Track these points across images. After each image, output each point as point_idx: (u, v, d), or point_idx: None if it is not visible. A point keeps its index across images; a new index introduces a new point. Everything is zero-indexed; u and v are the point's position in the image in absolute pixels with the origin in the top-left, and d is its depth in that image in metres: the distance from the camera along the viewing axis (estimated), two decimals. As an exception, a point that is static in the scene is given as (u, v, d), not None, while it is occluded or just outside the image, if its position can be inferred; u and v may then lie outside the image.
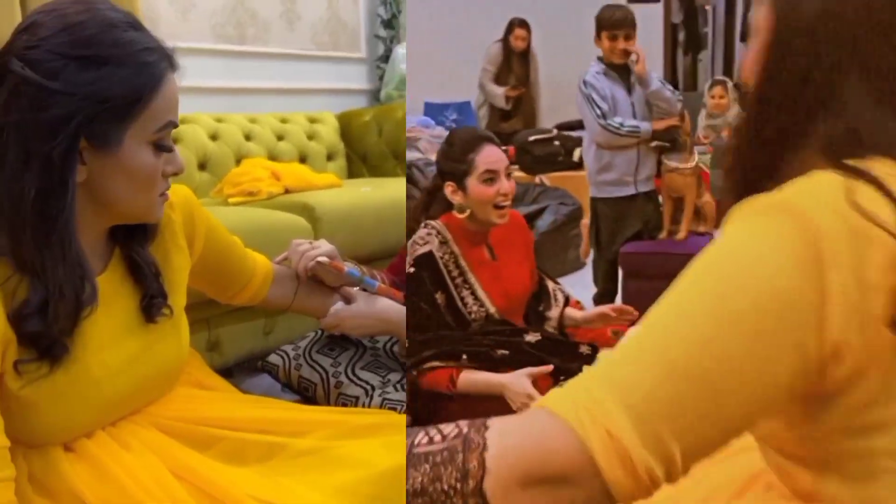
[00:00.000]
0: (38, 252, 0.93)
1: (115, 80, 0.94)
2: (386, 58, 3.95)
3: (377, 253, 2.45)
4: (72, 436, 1.02)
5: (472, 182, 1.67)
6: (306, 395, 1.63)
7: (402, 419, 1.19)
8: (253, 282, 1.39)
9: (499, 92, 4.78)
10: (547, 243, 3.16)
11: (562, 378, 1.55)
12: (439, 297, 1.67)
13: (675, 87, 6.02)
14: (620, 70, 2.45)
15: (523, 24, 4.81)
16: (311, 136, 3.36)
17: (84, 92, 0.93)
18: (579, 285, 2.71)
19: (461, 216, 1.70)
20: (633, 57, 2.42)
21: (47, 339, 0.95)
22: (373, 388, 1.53)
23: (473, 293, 1.72)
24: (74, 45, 0.93)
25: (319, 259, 1.42)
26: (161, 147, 1.01)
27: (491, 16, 4.93)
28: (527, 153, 4.04)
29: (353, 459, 1.04)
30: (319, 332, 1.69)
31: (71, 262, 0.95)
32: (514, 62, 4.84)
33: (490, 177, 1.67)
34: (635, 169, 2.47)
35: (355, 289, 1.49)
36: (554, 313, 1.87)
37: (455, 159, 1.70)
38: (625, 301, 2.44)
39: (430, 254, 1.67)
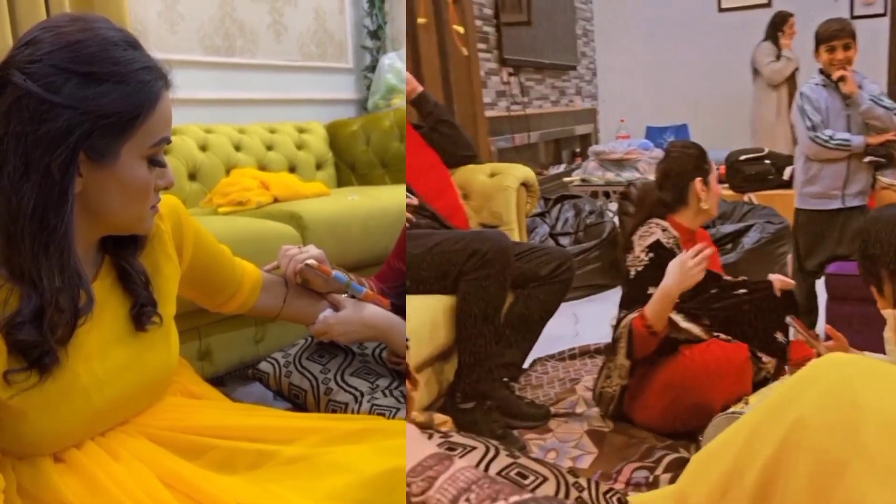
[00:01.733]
0: (34, 261, 0.95)
1: (115, 97, 0.96)
2: (372, 68, 3.96)
3: (365, 260, 2.46)
4: (61, 446, 1.03)
5: (712, 180, 2.02)
6: (297, 402, 1.63)
7: (392, 424, 1.19)
8: (242, 290, 1.40)
9: (779, 65, 4.80)
10: (752, 261, 3.08)
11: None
12: None
13: (902, 102, 5.98)
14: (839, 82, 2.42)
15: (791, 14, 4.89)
16: (299, 146, 3.37)
17: (84, 107, 0.94)
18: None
19: (706, 207, 2.02)
20: (840, 75, 2.36)
21: (40, 348, 0.96)
22: (362, 395, 1.53)
23: None
24: (76, 62, 0.95)
25: (307, 262, 1.43)
26: (154, 162, 1.04)
27: (705, 48, 5.18)
28: (737, 172, 3.97)
29: (342, 465, 1.04)
30: (309, 339, 1.69)
31: (68, 272, 0.97)
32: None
33: (718, 178, 2.05)
34: (843, 183, 2.41)
35: (343, 296, 1.50)
36: None
37: (704, 161, 2.03)
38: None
39: (658, 241, 1.96)
